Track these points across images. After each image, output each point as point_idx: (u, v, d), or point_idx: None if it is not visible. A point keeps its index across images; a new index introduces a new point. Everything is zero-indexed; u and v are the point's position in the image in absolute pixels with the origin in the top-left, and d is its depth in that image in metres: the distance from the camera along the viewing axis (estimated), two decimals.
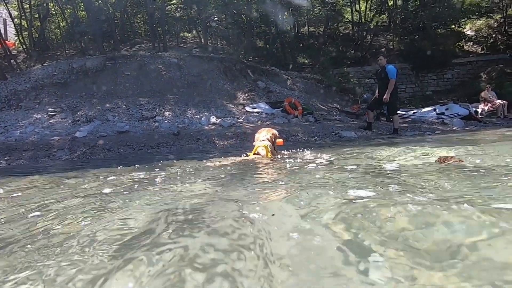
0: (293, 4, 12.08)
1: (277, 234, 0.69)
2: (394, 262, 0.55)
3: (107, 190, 1.53)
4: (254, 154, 2.52)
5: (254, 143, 2.67)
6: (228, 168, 2.22)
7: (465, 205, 0.68)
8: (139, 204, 1.12)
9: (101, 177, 2.15)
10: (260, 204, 0.91)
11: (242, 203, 0.90)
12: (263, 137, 2.61)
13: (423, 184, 1.12)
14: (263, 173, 1.97)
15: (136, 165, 2.77)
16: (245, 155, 2.67)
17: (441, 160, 1.63)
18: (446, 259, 0.54)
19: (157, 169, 2.41)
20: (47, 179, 2.29)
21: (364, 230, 0.67)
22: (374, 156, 2.15)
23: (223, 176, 1.86)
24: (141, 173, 2.23)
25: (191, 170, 2.20)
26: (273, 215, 0.81)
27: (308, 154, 2.73)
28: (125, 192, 1.44)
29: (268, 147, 2.51)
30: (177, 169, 2.30)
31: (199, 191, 1.33)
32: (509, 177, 1.11)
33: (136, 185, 1.67)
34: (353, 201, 0.82)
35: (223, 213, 0.81)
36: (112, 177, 2.08)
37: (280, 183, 1.36)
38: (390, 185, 1.07)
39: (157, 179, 1.82)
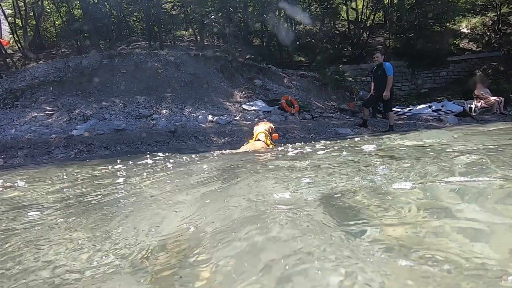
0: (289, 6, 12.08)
1: None
2: None
3: None
4: (255, 140, 2.78)
5: (253, 134, 2.91)
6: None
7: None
8: None
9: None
10: None
11: None
12: (261, 128, 2.90)
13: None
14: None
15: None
16: (246, 142, 2.90)
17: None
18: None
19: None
20: None
21: None
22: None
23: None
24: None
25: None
26: None
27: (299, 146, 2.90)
28: None
29: (268, 134, 2.81)
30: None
31: None
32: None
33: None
34: None
35: None
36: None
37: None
38: None
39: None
